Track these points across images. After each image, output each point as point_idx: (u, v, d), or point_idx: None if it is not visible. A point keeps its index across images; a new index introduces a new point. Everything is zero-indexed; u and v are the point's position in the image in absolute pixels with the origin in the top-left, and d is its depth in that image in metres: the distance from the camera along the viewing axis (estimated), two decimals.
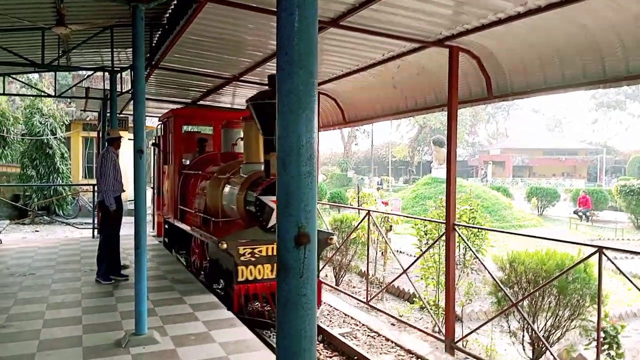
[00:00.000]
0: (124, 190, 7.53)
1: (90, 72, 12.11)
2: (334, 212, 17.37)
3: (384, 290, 9.34)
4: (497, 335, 7.08)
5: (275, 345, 1.70)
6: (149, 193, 13.52)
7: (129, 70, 9.67)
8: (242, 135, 7.81)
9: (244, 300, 6.23)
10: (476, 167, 59.65)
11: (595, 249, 4.66)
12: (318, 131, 5.21)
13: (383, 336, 7.12)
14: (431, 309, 7.39)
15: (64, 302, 6.22)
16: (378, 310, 8.16)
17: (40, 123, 18.29)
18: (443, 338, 6.44)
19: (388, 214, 10.01)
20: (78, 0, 6.10)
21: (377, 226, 9.27)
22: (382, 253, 11.03)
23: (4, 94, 12.31)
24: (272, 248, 6.27)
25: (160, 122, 11.10)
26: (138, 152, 4.97)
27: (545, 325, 5.81)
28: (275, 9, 1.62)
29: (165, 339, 4.97)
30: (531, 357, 5.98)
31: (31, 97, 18.51)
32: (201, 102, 11.73)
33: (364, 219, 8.92)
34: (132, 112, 5.13)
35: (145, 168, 5.09)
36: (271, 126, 5.68)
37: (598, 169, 53.47)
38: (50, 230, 15.99)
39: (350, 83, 8.51)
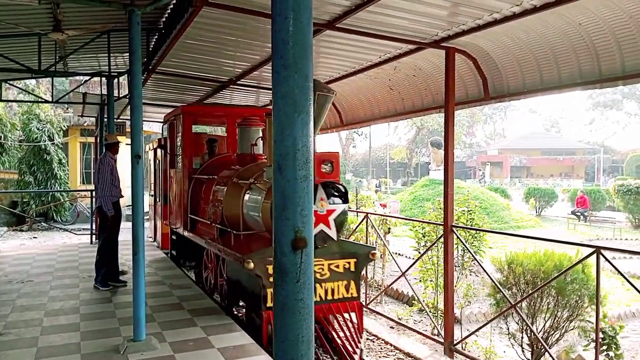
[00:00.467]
0: (122, 196, 7.51)
1: (87, 78, 12.10)
2: None
3: (383, 293, 9.33)
4: (496, 337, 7.08)
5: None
6: (147, 199, 13.48)
7: (126, 75, 9.66)
8: (261, 135, 7.41)
9: None
10: (474, 168, 59.70)
11: (593, 249, 4.66)
12: (315, 134, 5.00)
13: (382, 339, 7.11)
14: (430, 312, 7.38)
15: (62, 309, 6.20)
16: (377, 313, 8.14)
17: (38, 129, 18.26)
18: (442, 340, 6.43)
19: (386, 216, 10.00)
20: (74, 6, 6.09)
21: (375, 229, 9.26)
22: (380, 256, 11.01)
23: (1, 100, 12.27)
24: None
25: (166, 122, 10.06)
26: (135, 157, 4.97)
27: (544, 326, 5.81)
28: (270, 12, 1.62)
29: (163, 345, 4.95)
30: (530, 358, 5.97)
31: (28, 103, 18.49)
32: (209, 100, 10.90)
33: (362, 221, 8.91)
34: (129, 117, 5.13)
35: (142, 173, 5.08)
36: None
37: (595, 168, 53.57)
38: (49, 236, 15.94)
39: (347, 85, 8.52)
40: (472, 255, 7.12)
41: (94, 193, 8.65)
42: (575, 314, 5.66)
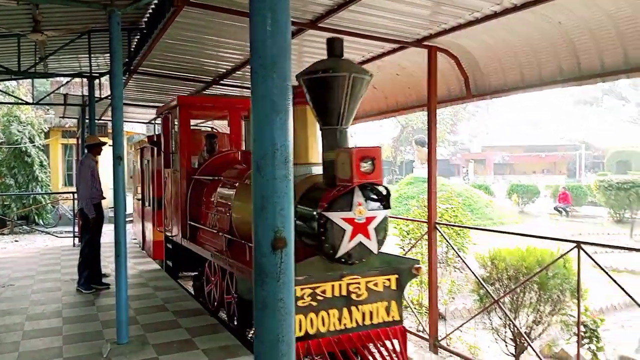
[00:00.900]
0: (104, 198, 7.42)
1: (68, 79, 11.95)
2: None
3: None
4: (480, 333, 7.14)
5: None
6: (130, 201, 13.28)
7: (107, 75, 9.56)
8: None
9: None
10: (458, 165, 60.14)
11: (574, 244, 4.73)
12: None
13: None
14: (415, 309, 7.42)
15: (44, 313, 6.12)
16: None
17: (19, 131, 17.97)
18: (427, 337, 6.47)
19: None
20: (54, 6, 6.01)
21: None
22: None
23: None
24: (342, 286, 4.41)
25: (160, 115, 8.95)
26: (117, 159, 4.93)
27: (527, 321, 5.88)
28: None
29: (147, 347, 4.92)
30: (514, 353, 6.04)
31: (8, 105, 18.19)
32: (207, 92, 9.87)
33: None
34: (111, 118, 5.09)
35: (124, 175, 5.04)
36: (335, 110, 4.25)
37: (577, 165, 54.29)
38: (30, 239, 15.70)
39: None
40: (456, 252, 7.19)
41: (75, 195, 8.52)
42: (557, 309, 5.74)
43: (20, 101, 15.95)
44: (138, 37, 7.62)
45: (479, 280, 6.07)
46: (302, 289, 4.21)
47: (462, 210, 9.61)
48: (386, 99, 7.99)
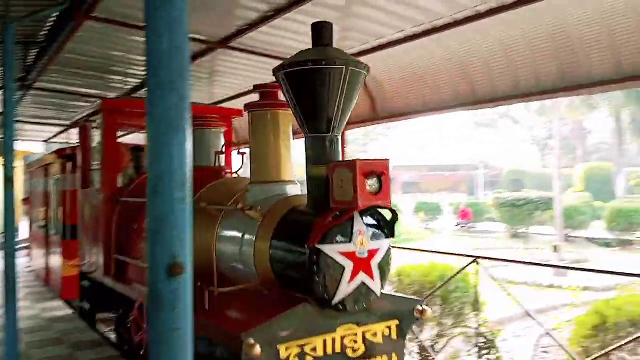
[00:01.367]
0: None
1: None
2: None
3: None
4: None
5: None
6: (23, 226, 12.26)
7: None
8: (225, 140, 5.49)
9: None
10: None
11: (472, 259, 5.02)
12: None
13: None
14: None
15: None
16: None
17: None
18: None
19: None
20: None
21: None
22: None
23: None
24: (336, 339, 3.28)
25: (76, 125, 7.53)
26: (8, 182, 4.56)
27: (431, 334, 6.11)
28: None
29: None
30: None
31: None
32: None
33: None
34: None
35: (14, 198, 4.65)
36: (326, 112, 3.34)
37: (476, 183, 57.88)
38: None
39: (242, 104, 8.49)
40: None
41: None
42: (459, 321, 6.02)
43: None
44: (38, 50, 7.16)
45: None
46: (287, 349, 3.09)
47: None
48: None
